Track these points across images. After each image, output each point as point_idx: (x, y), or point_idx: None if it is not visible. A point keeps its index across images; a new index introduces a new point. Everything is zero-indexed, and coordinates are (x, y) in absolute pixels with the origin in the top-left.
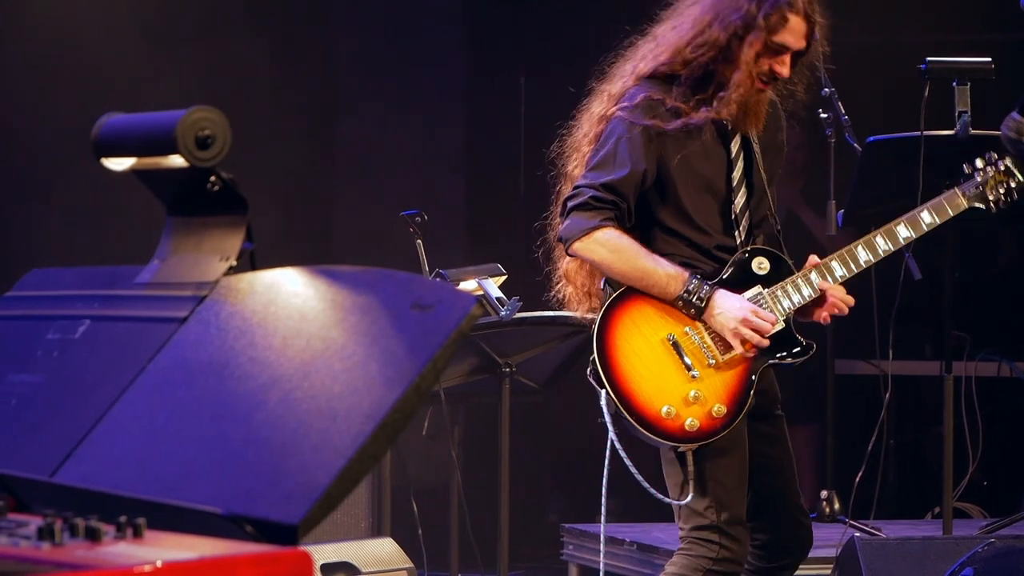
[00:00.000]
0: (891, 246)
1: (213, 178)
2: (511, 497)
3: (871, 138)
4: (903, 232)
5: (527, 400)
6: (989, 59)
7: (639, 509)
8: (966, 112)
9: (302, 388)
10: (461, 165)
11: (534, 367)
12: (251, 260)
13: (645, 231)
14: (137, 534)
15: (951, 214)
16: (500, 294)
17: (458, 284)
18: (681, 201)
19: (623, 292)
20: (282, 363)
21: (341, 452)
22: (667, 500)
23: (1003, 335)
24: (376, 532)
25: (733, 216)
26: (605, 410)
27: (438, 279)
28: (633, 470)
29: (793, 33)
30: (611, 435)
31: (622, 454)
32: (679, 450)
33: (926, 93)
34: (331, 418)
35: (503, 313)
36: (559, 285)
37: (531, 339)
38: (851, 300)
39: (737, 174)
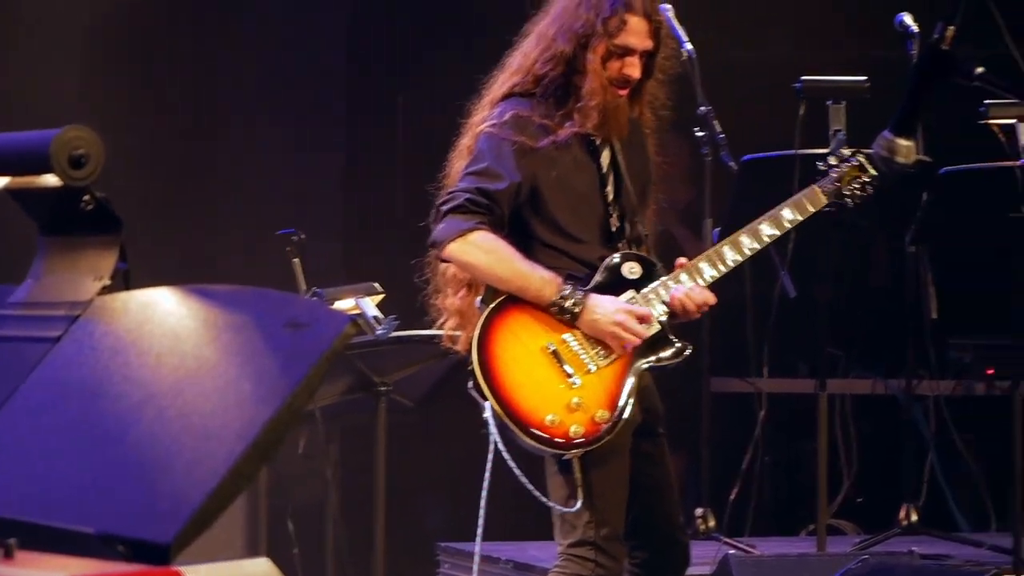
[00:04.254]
0: (757, 244)
1: (87, 197)
2: (388, 515)
3: (747, 156)
4: (767, 230)
5: (404, 418)
6: (864, 77)
7: (515, 526)
8: (841, 130)
9: (176, 407)
10: (339, 184)
11: (410, 386)
12: (125, 280)
13: (524, 246)
14: (8, 555)
15: (811, 211)
16: (377, 312)
17: (335, 303)
18: (555, 216)
19: (500, 303)
20: (156, 382)
21: (214, 471)
22: (560, 508)
23: (877, 352)
24: (252, 552)
25: (614, 229)
26: (491, 422)
27: (314, 298)
28: (524, 479)
29: (635, 34)
30: (500, 447)
31: (511, 464)
32: (564, 458)
33: (801, 112)
34: (204, 437)
35: (379, 332)
36: (441, 320)
37: (407, 358)
38: (711, 299)
39: (611, 188)
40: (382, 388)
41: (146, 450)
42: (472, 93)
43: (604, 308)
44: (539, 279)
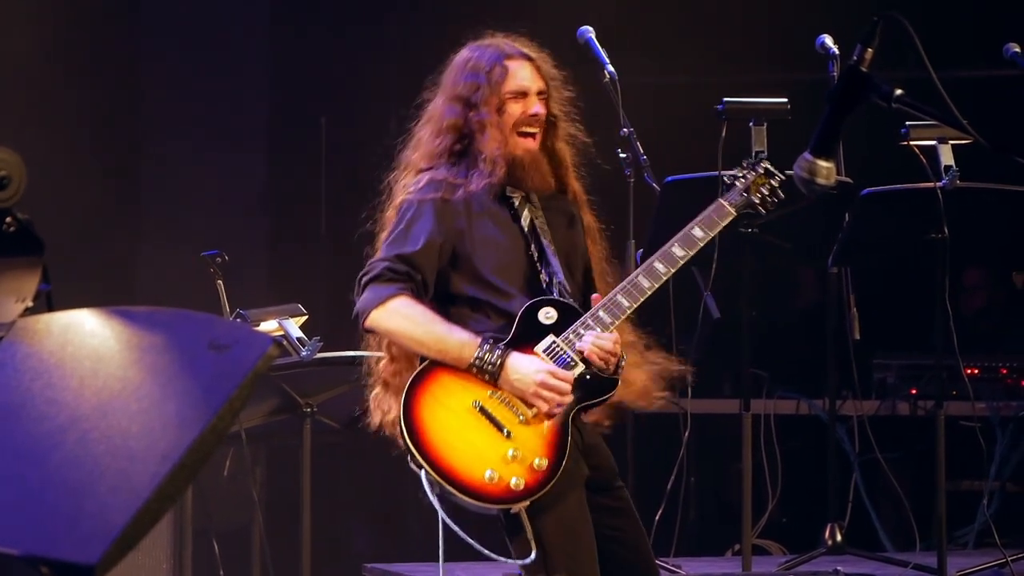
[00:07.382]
0: (670, 267)
1: (9, 219)
2: (314, 537)
3: (669, 178)
4: (678, 252)
5: (330, 440)
6: (785, 99)
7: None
8: (763, 152)
9: (99, 429)
10: (263, 205)
11: (335, 407)
12: (48, 301)
13: (450, 305)
14: None
15: (721, 225)
16: (301, 334)
17: (259, 324)
18: (480, 270)
19: (420, 372)
20: (79, 404)
21: (138, 493)
22: (518, 562)
23: (801, 373)
24: (178, 574)
25: (544, 284)
26: (429, 490)
27: (238, 319)
28: (473, 543)
29: (521, 75)
30: (441, 515)
31: (455, 528)
32: (512, 511)
33: (723, 133)
34: (128, 459)
35: (304, 353)
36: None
37: (332, 379)
38: (617, 341)
39: (535, 248)
40: (308, 409)
41: (70, 472)
42: (393, 115)
43: (524, 369)
44: (457, 341)
